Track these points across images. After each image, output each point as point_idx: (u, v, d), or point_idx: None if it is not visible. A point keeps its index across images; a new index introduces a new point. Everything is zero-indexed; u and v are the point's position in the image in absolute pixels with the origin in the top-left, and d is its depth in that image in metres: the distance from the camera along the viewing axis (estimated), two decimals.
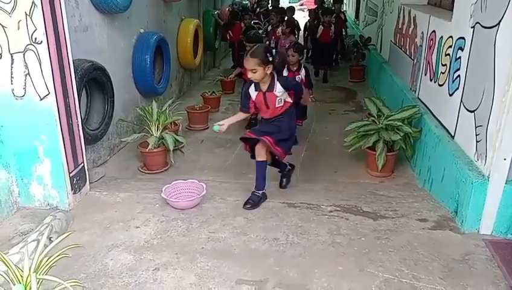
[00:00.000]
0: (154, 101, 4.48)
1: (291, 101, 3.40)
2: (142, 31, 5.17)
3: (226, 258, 2.71)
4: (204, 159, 4.66)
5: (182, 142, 4.30)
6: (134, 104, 5.11)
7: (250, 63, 3.17)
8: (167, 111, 4.47)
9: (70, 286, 1.92)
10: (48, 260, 2.01)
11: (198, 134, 5.38)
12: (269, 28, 7.76)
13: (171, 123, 4.62)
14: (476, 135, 3.02)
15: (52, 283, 1.92)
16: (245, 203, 3.32)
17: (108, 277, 2.53)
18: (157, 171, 4.27)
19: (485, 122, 2.88)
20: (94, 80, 3.92)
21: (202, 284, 2.47)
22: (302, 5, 22.36)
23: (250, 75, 3.22)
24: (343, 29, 9.16)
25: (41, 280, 1.92)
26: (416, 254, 2.74)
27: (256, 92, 3.35)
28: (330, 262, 2.67)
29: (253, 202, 3.33)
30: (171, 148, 4.13)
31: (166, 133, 4.24)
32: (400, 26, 5.74)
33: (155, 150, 4.22)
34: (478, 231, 2.93)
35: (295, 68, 4.74)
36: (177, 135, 4.42)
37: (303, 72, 4.78)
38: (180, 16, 6.70)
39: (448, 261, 2.66)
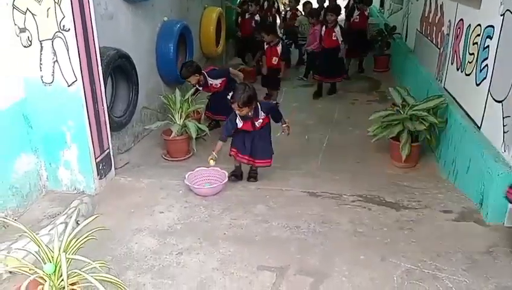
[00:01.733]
0: (177, 90, 4.52)
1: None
2: (165, 19, 5.20)
3: (248, 244, 2.74)
4: (225, 147, 4.67)
5: (204, 130, 4.34)
6: (158, 92, 5.16)
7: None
8: (190, 99, 4.50)
9: (98, 266, 1.99)
10: (76, 241, 2.08)
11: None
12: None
13: (193, 111, 4.66)
14: (504, 126, 2.96)
15: (80, 263, 1.98)
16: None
17: (133, 260, 2.59)
18: (180, 158, 4.32)
19: None
20: (119, 68, 3.98)
21: (224, 269, 2.51)
22: None
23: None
24: (364, 31, 7.51)
25: (70, 260, 1.99)
26: (439, 245, 2.72)
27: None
28: (351, 251, 2.67)
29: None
30: (194, 136, 4.17)
31: (189, 121, 4.28)
32: (426, 15, 5.62)
33: (178, 137, 4.27)
34: (503, 224, 2.88)
35: (251, 114, 3.46)
36: (199, 123, 4.46)
37: (262, 115, 3.50)
38: (203, 4, 6.70)
39: (472, 253, 2.63)
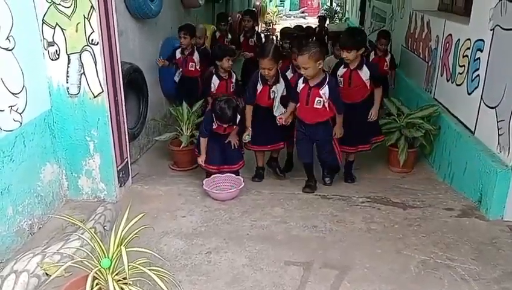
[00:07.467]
0: (184, 102, 4.68)
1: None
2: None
3: (272, 242, 2.92)
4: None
5: None
6: (160, 105, 5.34)
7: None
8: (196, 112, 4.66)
9: (140, 263, 2.12)
10: (124, 240, 2.21)
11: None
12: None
13: (197, 124, 4.82)
14: (498, 129, 3.25)
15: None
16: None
17: (165, 260, 2.71)
18: (188, 168, 4.47)
19: (507, 116, 3.11)
20: (130, 82, 4.12)
21: (254, 265, 2.67)
22: (303, 12, 22.73)
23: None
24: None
25: (118, 256, 2.12)
26: (447, 238, 2.96)
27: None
28: (369, 246, 2.88)
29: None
30: None
31: (197, 132, 4.44)
32: (411, 31, 6.00)
33: (186, 148, 4.42)
34: (502, 218, 3.15)
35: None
36: None
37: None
38: (197, 21, 6.93)
39: (478, 245, 2.88)
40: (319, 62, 3.39)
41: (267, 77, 3.69)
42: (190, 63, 5.13)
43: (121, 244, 2.08)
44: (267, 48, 3.66)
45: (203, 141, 3.79)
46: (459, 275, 2.57)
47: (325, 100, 3.48)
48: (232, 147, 3.81)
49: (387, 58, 5.73)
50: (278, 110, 3.81)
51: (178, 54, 5.11)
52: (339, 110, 3.57)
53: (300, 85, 3.55)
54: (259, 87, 3.76)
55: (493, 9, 3.42)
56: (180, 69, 5.17)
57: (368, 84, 3.79)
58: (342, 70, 3.82)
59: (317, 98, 3.48)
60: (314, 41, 3.63)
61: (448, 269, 2.63)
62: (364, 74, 3.75)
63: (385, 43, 5.69)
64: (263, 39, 6.95)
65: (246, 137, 3.79)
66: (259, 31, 14.05)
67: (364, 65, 3.77)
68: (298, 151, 3.91)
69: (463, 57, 4.02)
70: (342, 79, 3.79)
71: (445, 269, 2.64)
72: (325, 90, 3.47)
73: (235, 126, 3.75)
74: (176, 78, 5.22)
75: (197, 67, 5.17)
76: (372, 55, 5.71)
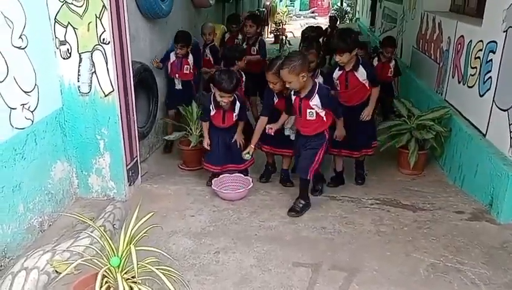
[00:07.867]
0: (193, 102, 4.69)
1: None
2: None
3: (280, 243, 2.92)
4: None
5: None
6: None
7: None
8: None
9: (149, 262, 2.13)
10: (133, 238, 2.22)
11: None
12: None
13: None
14: (510, 132, 3.22)
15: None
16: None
17: (173, 259, 2.72)
18: (196, 167, 4.47)
19: None
20: (140, 81, 4.14)
21: (262, 266, 2.67)
22: (313, 12, 22.68)
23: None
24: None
25: (128, 255, 2.13)
26: (457, 241, 2.93)
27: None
28: (378, 248, 2.87)
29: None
30: None
31: None
32: (423, 32, 5.95)
33: (195, 148, 4.43)
34: None
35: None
36: None
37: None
38: (208, 21, 6.94)
39: (488, 249, 2.85)
40: (302, 75, 3.12)
41: (275, 90, 3.54)
42: (185, 66, 4.96)
43: (130, 243, 2.09)
44: (273, 62, 3.49)
45: (205, 125, 3.83)
46: (469, 279, 2.55)
47: (319, 110, 3.26)
48: (238, 146, 3.79)
49: (392, 65, 5.60)
50: (290, 123, 3.71)
51: (172, 57, 4.93)
52: (337, 116, 3.41)
53: (293, 97, 3.34)
54: (275, 100, 3.63)
55: (506, 11, 3.38)
56: (177, 75, 4.95)
57: (367, 85, 3.67)
58: (337, 73, 3.66)
59: (308, 110, 3.26)
60: (296, 52, 3.41)
61: (458, 273, 2.60)
62: (361, 74, 3.61)
63: (391, 51, 5.55)
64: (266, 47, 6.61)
65: (247, 155, 3.68)
66: (270, 30, 14.05)
67: (361, 65, 3.61)
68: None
69: (475, 58, 3.98)
70: (338, 82, 3.65)
71: (455, 272, 2.61)
72: (315, 101, 3.23)
73: (235, 115, 3.68)
74: (178, 87, 5.00)
75: (191, 70, 5.03)
76: (375, 62, 5.62)
